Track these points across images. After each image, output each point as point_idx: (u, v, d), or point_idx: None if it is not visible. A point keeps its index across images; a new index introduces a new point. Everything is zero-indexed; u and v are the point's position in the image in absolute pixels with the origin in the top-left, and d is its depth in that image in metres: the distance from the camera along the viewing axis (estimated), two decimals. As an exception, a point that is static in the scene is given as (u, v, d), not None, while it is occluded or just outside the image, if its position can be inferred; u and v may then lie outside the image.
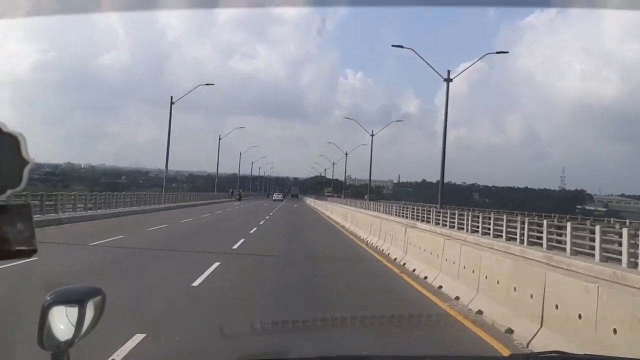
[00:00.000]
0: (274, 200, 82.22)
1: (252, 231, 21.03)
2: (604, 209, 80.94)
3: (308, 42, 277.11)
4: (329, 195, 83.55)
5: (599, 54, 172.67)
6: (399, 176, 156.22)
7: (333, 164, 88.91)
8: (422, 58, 27.62)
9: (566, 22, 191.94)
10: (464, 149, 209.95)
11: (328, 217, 37.75)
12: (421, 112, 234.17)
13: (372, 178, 58.04)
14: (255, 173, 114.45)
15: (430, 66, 27.85)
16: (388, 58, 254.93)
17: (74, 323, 1.30)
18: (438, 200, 27.50)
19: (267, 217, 33.33)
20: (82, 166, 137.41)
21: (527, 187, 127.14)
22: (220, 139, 64.68)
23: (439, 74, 28.21)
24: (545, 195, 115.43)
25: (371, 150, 52.22)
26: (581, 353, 2.93)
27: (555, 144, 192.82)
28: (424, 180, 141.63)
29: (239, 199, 67.17)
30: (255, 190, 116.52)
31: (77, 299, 1.32)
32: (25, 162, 0.88)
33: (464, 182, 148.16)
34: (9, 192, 0.87)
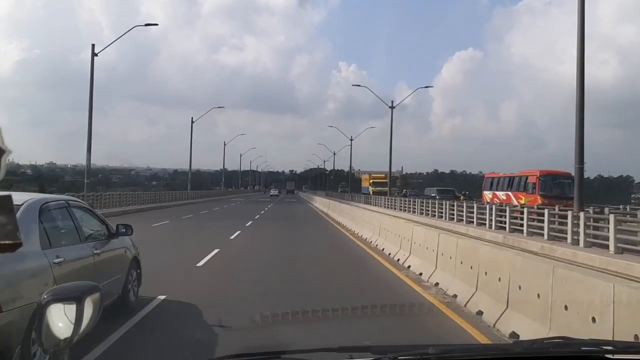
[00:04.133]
0: (271, 195, 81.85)
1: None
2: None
3: (299, 34, 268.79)
4: (413, 195, 43.46)
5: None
6: (402, 167, 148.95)
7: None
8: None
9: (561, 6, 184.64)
10: (461, 139, 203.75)
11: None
12: (416, 102, 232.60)
13: (379, 169, 66.49)
14: (247, 168, 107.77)
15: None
16: (381, 49, 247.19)
17: (73, 320, 1.30)
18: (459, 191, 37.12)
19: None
20: (69, 166, 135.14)
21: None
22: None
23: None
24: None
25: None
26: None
27: (552, 131, 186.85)
28: (435, 171, 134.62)
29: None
30: (245, 187, 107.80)
31: (74, 296, 1.32)
32: (1, 152, 0.90)
33: (480, 172, 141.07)
34: None
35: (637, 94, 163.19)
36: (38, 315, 1.30)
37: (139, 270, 6.79)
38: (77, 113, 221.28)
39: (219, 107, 50.32)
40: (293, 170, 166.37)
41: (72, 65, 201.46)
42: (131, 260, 6.50)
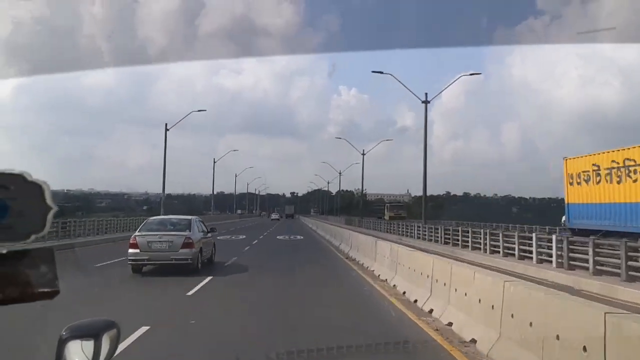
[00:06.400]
0: (272, 219, 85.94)
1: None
2: None
3: (300, 59, 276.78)
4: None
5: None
6: (408, 190, 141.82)
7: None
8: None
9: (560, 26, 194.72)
10: (465, 161, 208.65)
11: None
12: (417, 125, 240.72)
13: (386, 192, 60.16)
14: (246, 191, 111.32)
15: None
16: (382, 74, 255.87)
17: (90, 357, 1.36)
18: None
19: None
20: (65, 191, 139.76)
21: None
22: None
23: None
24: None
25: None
26: None
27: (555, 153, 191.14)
28: (447, 193, 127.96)
29: None
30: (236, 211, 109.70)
31: (92, 333, 1.39)
32: (48, 209, 0.97)
33: (496, 195, 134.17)
34: (32, 237, 0.95)
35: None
36: (56, 351, 1.37)
37: (214, 249, 15.61)
38: (76, 138, 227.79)
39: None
40: (295, 193, 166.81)
41: (71, 91, 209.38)
42: (214, 243, 15.46)
